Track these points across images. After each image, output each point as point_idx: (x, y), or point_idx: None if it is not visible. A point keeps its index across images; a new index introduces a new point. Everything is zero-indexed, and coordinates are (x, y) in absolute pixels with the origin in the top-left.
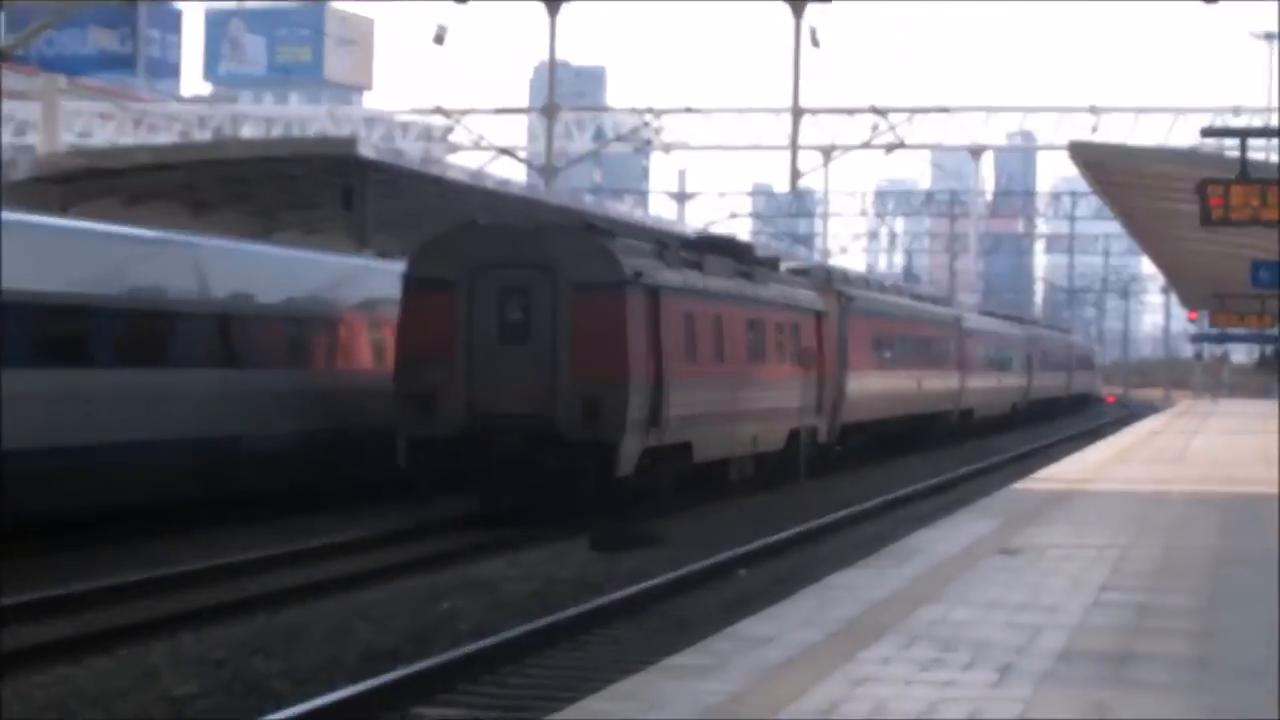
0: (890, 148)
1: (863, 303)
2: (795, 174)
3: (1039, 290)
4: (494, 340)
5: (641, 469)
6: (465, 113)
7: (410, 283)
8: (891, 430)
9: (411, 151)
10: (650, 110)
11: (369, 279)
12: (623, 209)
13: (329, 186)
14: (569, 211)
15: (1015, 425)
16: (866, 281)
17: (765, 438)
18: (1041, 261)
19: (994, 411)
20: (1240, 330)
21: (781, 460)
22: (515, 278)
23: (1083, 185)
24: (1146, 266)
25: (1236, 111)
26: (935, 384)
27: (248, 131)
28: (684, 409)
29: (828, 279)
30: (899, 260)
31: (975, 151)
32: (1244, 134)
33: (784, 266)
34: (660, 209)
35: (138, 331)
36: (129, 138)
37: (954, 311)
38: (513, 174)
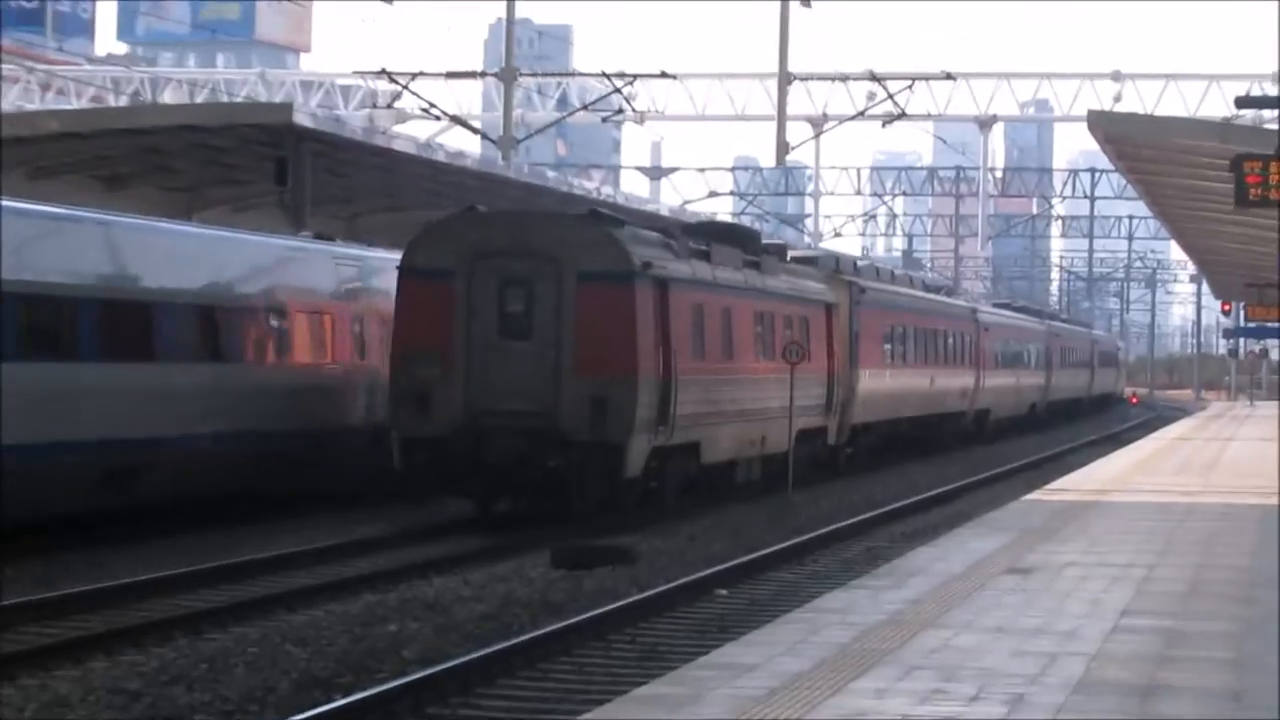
0: (889, 119)
1: (874, 294)
2: (783, 147)
3: (1055, 278)
4: (494, 334)
5: (648, 470)
6: (414, 76)
7: (405, 272)
8: (901, 432)
9: (354, 120)
10: (621, 75)
11: (305, 264)
12: (590, 186)
13: (261, 159)
14: (533, 188)
15: (1033, 428)
16: (876, 271)
17: (773, 438)
18: (1057, 246)
19: (1011, 413)
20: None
21: (788, 462)
22: (517, 268)
23: (1104, 161)
24: (1175, 252)
25: (1277, 78)
26: (949, 382)
27: (169, 97)
28: (692, 407)
29: (837, 268)
30: (898, 244)
31: (984, 123)
32: None
33: (790, 255)
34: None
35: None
36: (35, 103)
37: (969, 304)
38: (467, 145)
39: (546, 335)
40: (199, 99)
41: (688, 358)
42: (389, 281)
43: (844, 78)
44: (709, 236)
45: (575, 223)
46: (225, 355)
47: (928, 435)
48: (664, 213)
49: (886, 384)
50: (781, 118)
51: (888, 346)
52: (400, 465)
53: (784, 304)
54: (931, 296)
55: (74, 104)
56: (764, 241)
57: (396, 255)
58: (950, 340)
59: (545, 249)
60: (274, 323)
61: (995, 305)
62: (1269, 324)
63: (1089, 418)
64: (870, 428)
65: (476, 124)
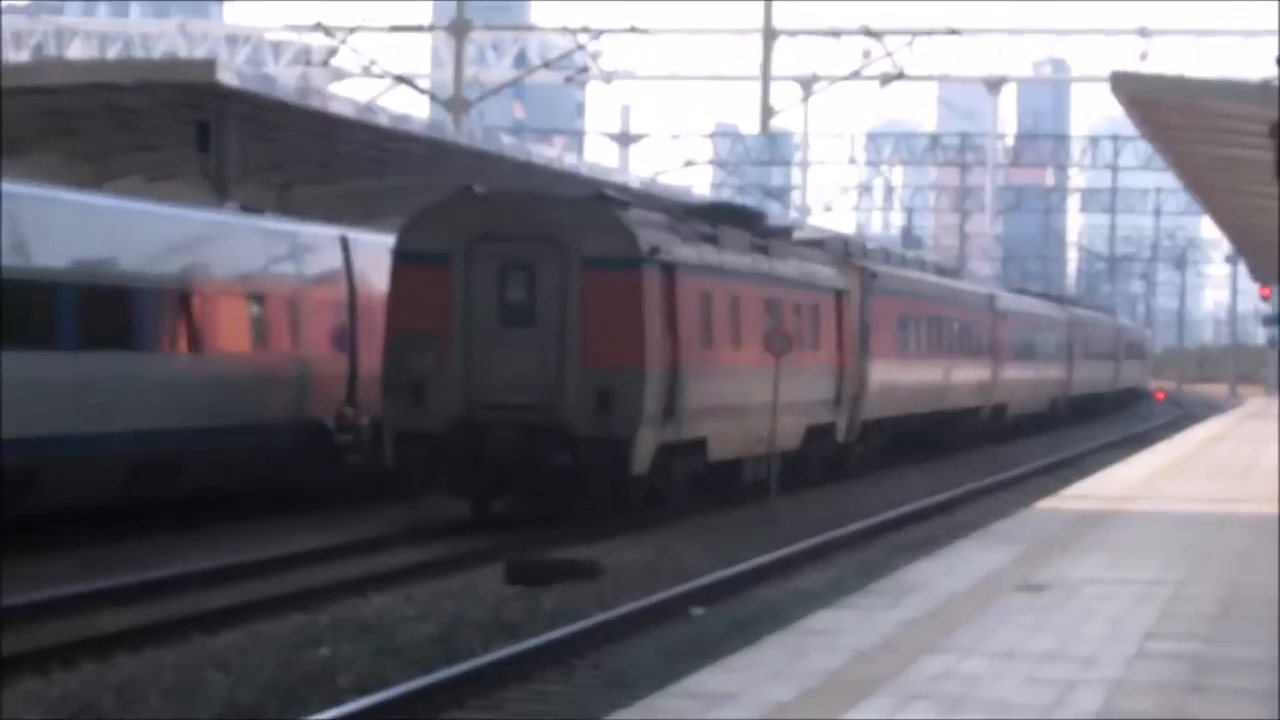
0: (887, 79)
1: (886, 280)
2: (767, 111)
3: (1072, 259)
4: (494, 322)
5: (654, 468)
6: (353, 30)
7: (400, 256)
8: (914, 429)
9: (285, 79)
10: (586, 30)
11: (230, 239)
12: (551, 153)
13: (180, 123)
14: (487, 156)
15: (1052, 426)
16: (887, 254)
17: (783, 434)
18: (1076, 222)
19: (1030, 409)
20: None
21: (798, 461)
22: (518, 252)
23: (1128, 127)
24: (1208, 230)
25: None
26: (965, 375)
27: (76, 51)
28: (700, 401)
29: (846, 252)
30: (896, 219)
31: (993, 84)
32: None
33: (795, 236)
34: (599, 153)
35: None
36: None
37: (987, 290)
38: (414, 108)
39: (550, 323)
40: (110, 54)
41: (695, 349)
42: (325, 259)
43: (836, 33)
44: (714, 218)
45: (580, 205)
46: (116, 343)
47: (941, 433)
48: (634, 184)
49: (899, 377)
50: (766, 78)
51: (901, 336)
52: (393, 462)
53: (793, 291)
54: (946, 282)
55: None
56: (770, 223)
57: (333, 230)
58: (966, 330)
59: (549, 232)
60: (183, 307)
61: (1012, 290)
62: None
63: (1112, 415)
64: (881, 424)
65: (424, 84)
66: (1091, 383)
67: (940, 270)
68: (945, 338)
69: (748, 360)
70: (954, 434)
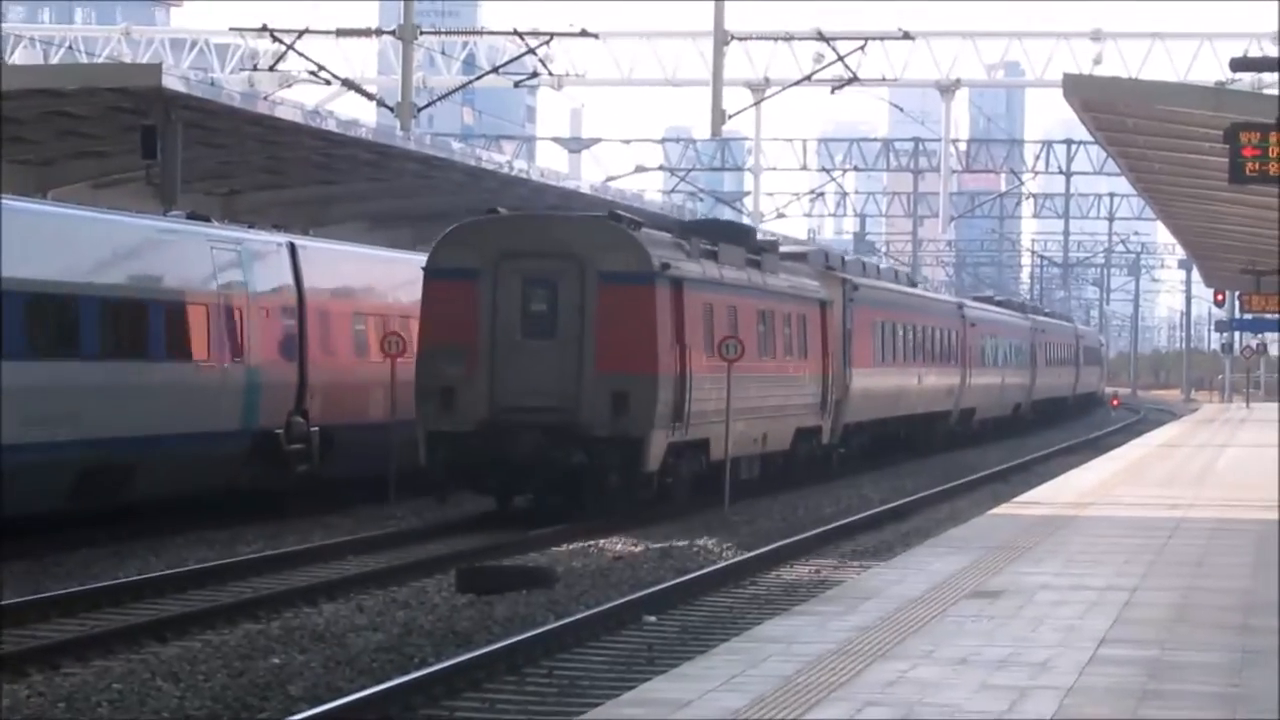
0: (838, 84)
1: (866, 291)
2: (719, 116)
3: (1026, 264)
4: (517, 332)
5: (664, 465)
6: (300, 34)
7: (431, 273)
8: (890, 431)
9: (231, 84)
10: (536, 34)
11: (173, 247)
12: (501, 159)
13: (125, 129)
14: (435, 162)
15: (1015, 430)
16: (863, 265)
17: (774, 436)
18: (1029, 228)
19: (996, 413)
20: None
21: (788, 461)
22: (540, 268)
23: (1081, 131)
24: (1162, 235)
25: (1277, 38)
26: (936, 381)
27: (19, 58)
28: (705, 404)
29: (827, 264)
30: (849, 225)
31: (946, 88)
32: None
33: (781, 250)
34: (550, 159)
35: None
36: None
37: (956, 299)
38: (361, 113)
39: (569, 334)
40: (54, 59)
41: (700, 356)
42: (273, 268)
43: (788, 37)
44: (710, 234)
45: (596, 224)
46: (50, 351)
47: (914, 435)
48: (601, 194)
49: (878, 383)
50: (717, 83)
51: (879, 345)
52: (425, 460)
53: (783, 302)
54: (919, 292)
55: None
56: (759, 238)
57: (280, 237)
58: (938, 338)
59: (568, 250)
60: (125, 315)
61: (978, 299)
62: (1268, 315)
63: (1067, 421)
64: (862, 427)
65: (372, 89)
66: (1053, 388)
67: (911, 281)
68: (919, 346)
69: (745, 367)
70: (926, 437)
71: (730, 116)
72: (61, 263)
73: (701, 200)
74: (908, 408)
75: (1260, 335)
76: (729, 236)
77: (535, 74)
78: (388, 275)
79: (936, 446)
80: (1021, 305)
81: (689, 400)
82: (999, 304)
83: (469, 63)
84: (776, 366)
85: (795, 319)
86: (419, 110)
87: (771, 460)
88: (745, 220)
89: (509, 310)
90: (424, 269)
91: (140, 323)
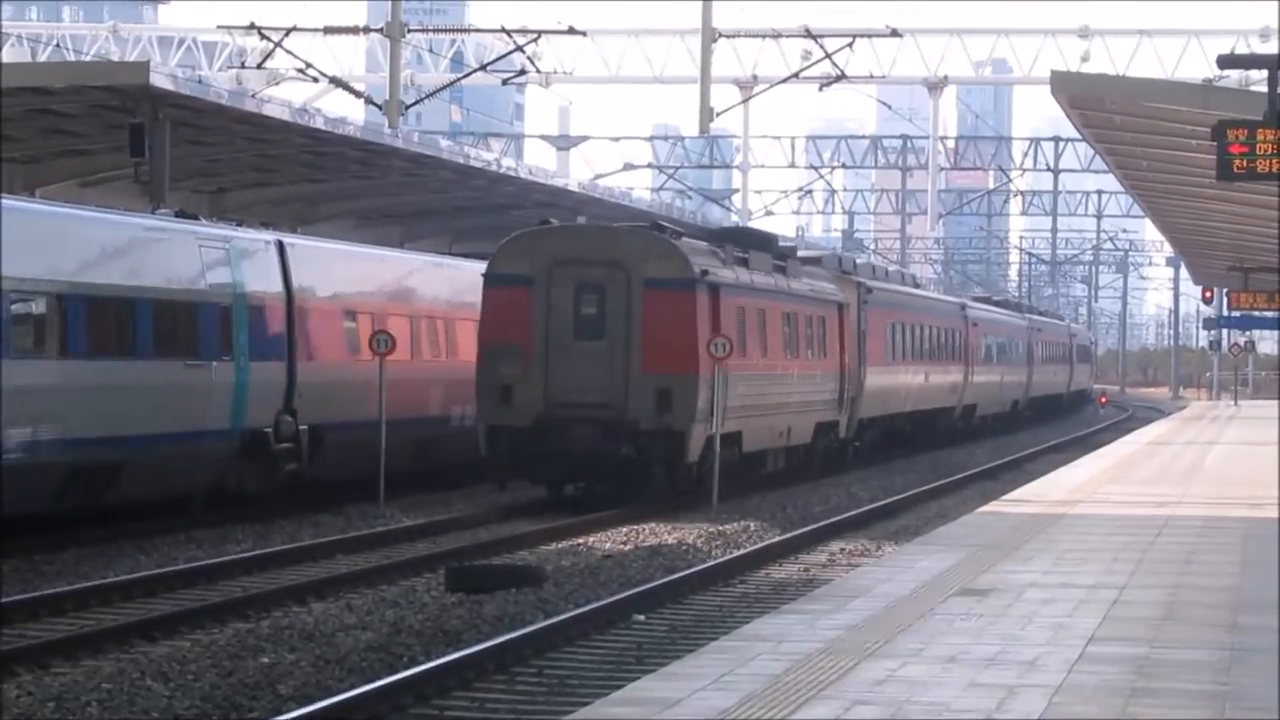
0: (826, 81)
1: (879, 293)
2: (707, 114)
3: (1014, 261)
4: (569, 334)
5: (703, 456)
6: (287, 32)
7: (490, 279)
8: (899, 426)
9: (219, 82)
10: (524, 32)
11: (161, 245)
12: (489, 157)
13: (113, 127)
14: (424, 159)
15: (1014, 426)
16: (873, 269)
17: (797, 430)
18: (1017, 225)
19: (995, 409)
20: (1269, 314)
21: (808, 454)
22: (590, 275)
23: (1069, 129)
24: (1150, 232)
25: (1264, 35)
26: (942, 378)
27: (7, 55)
28: (738, 400)
29: (842, 268)
30: (838, 223)
31: (933, 86)
32: (1274, 63)
33: (799, 254)
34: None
35: None
36: None
37: (958, 299)
38: (349, 111)
39: (617, 335)
40: (41, 57)
41: (735, 355)
42: (261, 266)
43: (776, 35)
44: (734, 242)
45: (642, 234)
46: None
47: (920, 430)
48: (589, 192)
49: (889, 380)
50: (705, 80)
51: (890, 344)
52: (485, 452)
53: (805, 305)
54: (926, 294)
55: None
56: (779, 245)
57: (268, 235)
58: (943, 337)
59: (616, 258)
60: (112, 313)
61: (977, 299)
62: (1256, 313)
63: (1057, 419)
64: (874, 422)
65: (360, 87)
66: (1048, 385)
67: (915, 283)
68: (926, 345)
69: (772, 366)
70: (931, 431)
71: (718, 114)
72: (47, 261)
73: (690, 198)
74: (915, 404)
75: (1248, 333)
76: (754, 244)
77: (523, 71)
78: (377, 272)
79: (940, 441)
80: (1018, 305)
81: (724, 396)
82: (997, 304)
83: (457, 60)
84: (800, 365)
85: (816, 320)
86: (407, 108)
87: (795, 453)
88: (734, 218)
89: (562, 314)
90: (483, 275)
91: (127, 321)
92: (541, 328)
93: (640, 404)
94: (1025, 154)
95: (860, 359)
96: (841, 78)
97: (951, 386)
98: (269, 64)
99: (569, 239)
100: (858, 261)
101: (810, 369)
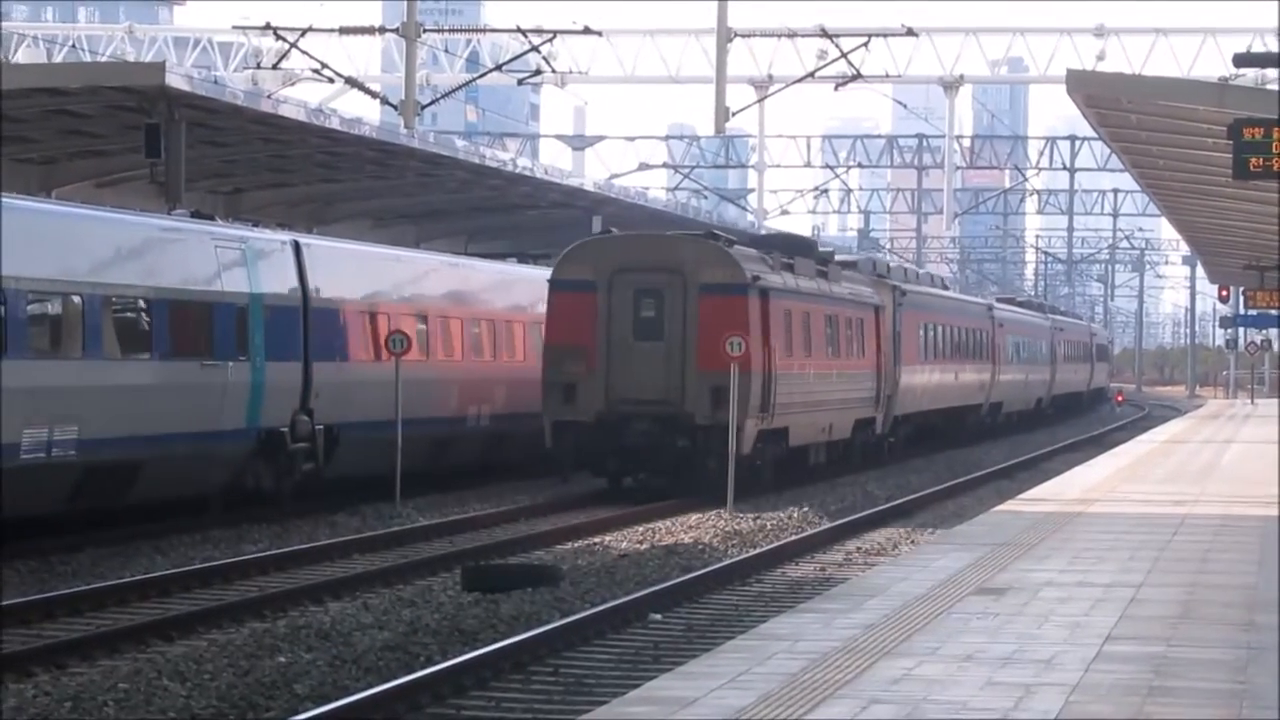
0: (842, 81)
1: (913, 296)
2: (722, 114)
3: (1030, 260)
4: (629, 336)
5: (754, 450)
6: (303, 33)
7: (555, 285)
8: (931, 423)
9: (235, 82)
10: (539, 32)
11: (177, 245)
12: (505, 157)
13: (128, 127)
14: (440, 159)
15: (1039, 423)
16: (904, 272)
17: (838, 426)
18: (1033, 224)
19: (1020, 406)
20: None
21: (847, 448)
22: (649, 281)
23: (1085, 127)
24: (1166, 231)
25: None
26: (970, 377)
27: (23, 56)
28: (785, 397)
29: (875, 272)
30: (853, 222)
31: (949, 85)
32: None
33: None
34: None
35: None
36: None
37: (985, 301)
38: (365, 111)
39: (674, 337)
40: (57, 58)
41: (782, 355)
42: (277, 266)
43: (791, 34)
44: (778, 248)
45: (697, 242)
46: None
47: (950, 426)
48: (605, 191)
49: (922, 379)
50: (721, 80)
51: (923, 344)
52: (550, 446)
53: (845, 308)
54: (956, 296)
55: None
56: (820, 250)
57: (284, 235)
58: (971, 337)
59: (673, 265)
60: (129, 314)
61: (1001, 299)
62: (1272, 311)
63: (1079, 416)
64: (908, 419)
65: (375, 87)
66: (1070, 383)
67: (944, 284)
68: (956, 345)
69: (815, 365)
70: (960, 428)
71: (734, 114)
72: (64, 261)
73: (705, 197)
74: (946, 401)
75: (1264, 331)
76: (798, 249)
77: (539, 71)
78: (392, 272)
79: (968, 438)
80: (1041, 305)
81: (773, 394)
82: (1021, 304)
83: (472, 60)
84: (840, 365)
85: (855, 322)
86: (422, 108)
87: (835, 447)
88: (749, 217)
89: (622, 317)
90: (549, 281)
91: (144, 321)
92: (603, 330)
93: (696, 400)
94: (1041, 153)
95: (895, 359)
96: (857, 77)
97: (979, 385)
98: (284, 64)
99: (629, 247)
100: (891, 266)
101: (850, 368)
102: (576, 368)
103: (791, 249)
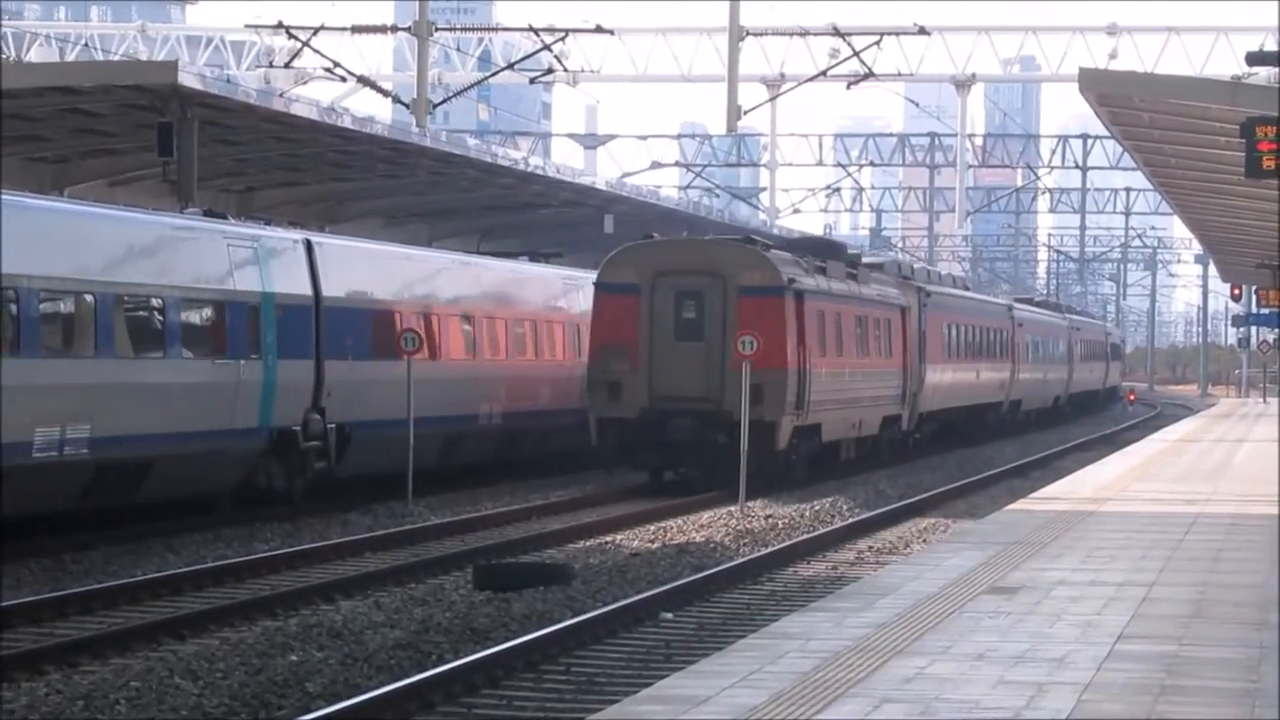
0: (854, 79)
1: (937, 298)
2: (734, 112)
3: (1042, 259)
4: (671, 336)
5: (790, 445)
6: (315, 31)
7: (600, 287)
8: (954, 420)
9: (247, 81)
10: (551, 30)
11: (189, 244)
12: (516, 155)
13: (141, 126)
14: (452, 158)
15: (1057, 421)
16: (928, 274)
17: (867, 422)
18: (1045, 223)
19: (1038, 404)
20: None
21: (875, 444)
22: (690, 284)
23: (1097, 126)
24: (1178, 229)
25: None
26: (991, 375)
27: (35, 55)
28: (819, 395)
29: (901, 274)
30: (865, 220)
31: (961, 83)
32: None
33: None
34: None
35: None
36: None
37: (1005, 301)
38: (377, 110)
39: (714, 337)
40: (70, 57)
41: (816, 355)
42: (289, 265)
43: (803, 33)
44: (812, 252)
45: (735, 246)
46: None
47: (971, 423)
48: (617, 190)
49: (946, 377)
50: (733, 79)
51: (947, 344)
52: (596, 441)
53: (874, 308)
54: (977, 297)
55: None
56: (849, 253)
57: (296, 234)
58: (992, 337)
59: (713, 268)
60: (140, 312)
61: (1019, 300)
62: None
63: (1092, 415)
64: (933, 416)
65: (387, 86)
66: (1087, 382)
67: (965, 285)
68: (978, 344)
69: (846, 364)
70: (980, 425)
71: (746, 112)
72: (76, 260)
73: (717, 196)
74: (968, 399)
75: (1277, 330)
76: (829, 253)
77: (550, 70)
78: (405, 271)
79: (988, 434)
80: (1059, 305)
81: (808, 391)
82: (1039, 304)
83: (484, 59)
84: (869, 364)
85: (883, 322)
86: (434, 107)
87: (864, 443)
88: (761, 216)
89: (664, 318)
90: (594, 284)
91: (157, 320)
92: (646, 330)
93: (734, 397)
94: (1053, 151)
95: (920, 358)
96: (869, 76)
97: (1000, 383)
98: (297, 63)
99: (671, 251)
100: (915, 267)
101: (878, 367)
102: (621, 366)
103: (822, 252)
